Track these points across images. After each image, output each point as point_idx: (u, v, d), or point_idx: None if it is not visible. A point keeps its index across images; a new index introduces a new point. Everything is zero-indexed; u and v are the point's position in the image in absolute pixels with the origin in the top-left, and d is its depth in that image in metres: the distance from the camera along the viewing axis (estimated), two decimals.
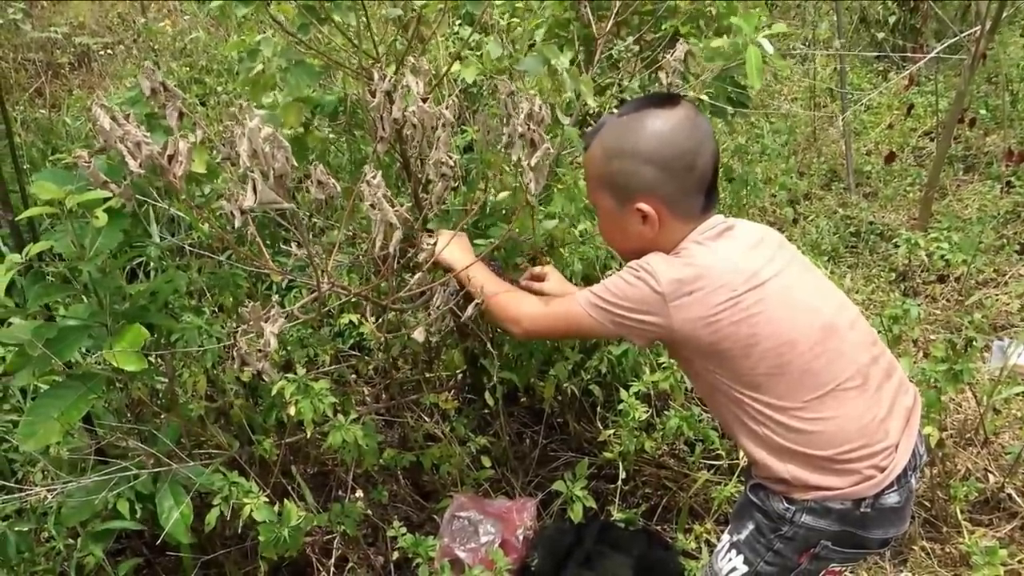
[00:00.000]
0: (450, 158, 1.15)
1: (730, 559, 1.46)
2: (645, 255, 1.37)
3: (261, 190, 0.97)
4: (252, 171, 0.97)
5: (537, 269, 1.81)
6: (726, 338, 1.28)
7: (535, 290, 1.78)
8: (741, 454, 2.35)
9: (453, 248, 1.60)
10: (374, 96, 1.24)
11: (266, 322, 1.09)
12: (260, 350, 1.09)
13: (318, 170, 1.07)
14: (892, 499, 1.34)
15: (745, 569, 1.43)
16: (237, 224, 1.02)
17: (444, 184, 1.17)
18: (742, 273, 1.29)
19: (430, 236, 1.59)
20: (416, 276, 1.29)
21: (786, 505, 1.36)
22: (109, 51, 5.60)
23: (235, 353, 1.10)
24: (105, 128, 1.03)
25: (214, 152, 1.52)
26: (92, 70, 5.74)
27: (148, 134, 1.04)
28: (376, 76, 1.24)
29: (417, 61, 1.17)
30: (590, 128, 1.44)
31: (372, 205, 1.07)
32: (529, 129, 1.16)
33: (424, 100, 1.16)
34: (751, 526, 1.43)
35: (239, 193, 0.99)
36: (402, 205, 1.68)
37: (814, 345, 1.29)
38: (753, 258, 1.32)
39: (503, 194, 1.35)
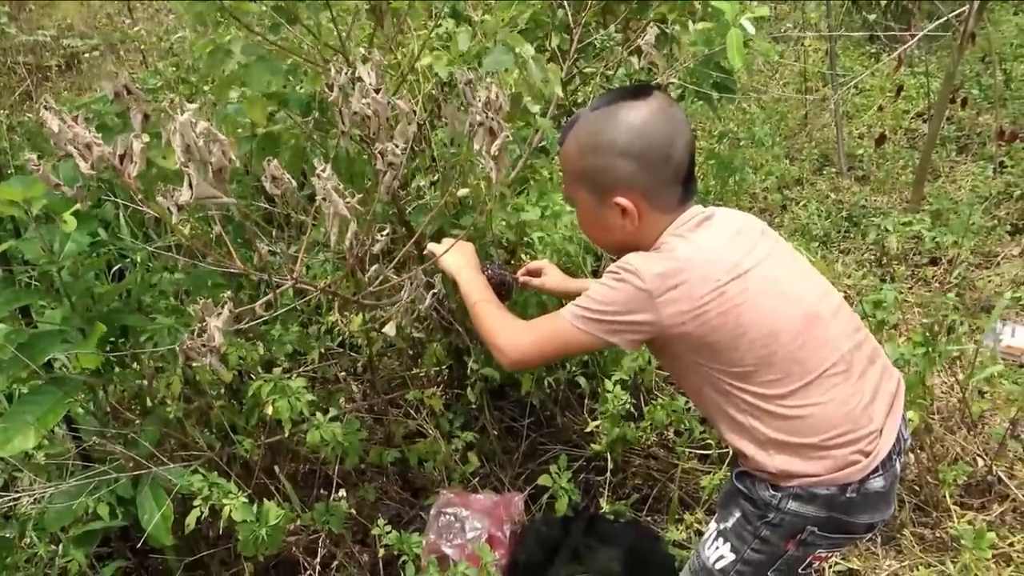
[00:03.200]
0: (398, 147, 1.13)
1: (717, 547, 1.46)
2: (626, 249, 1.36)
3: (197, 185, 0.96)
4: (187, 166, 0.96)
5: (533, 264, 1.80)
6: (715, 330, 1.26)
7: (534, 286, 1.77)
8: None
9: (456, 257, 1.58)
10: (332, 90, 1.23)
11: (211, 315, 1.08)
12: (204, 344, 1.07)
13: (271, 166, 1.05)
14: (877, 484, 1.34)
15: (732, 557, 1.43)
16: (174, 221, 1.00)
17: (393, 174, 1.15)
18: (724, 263, 1.28)
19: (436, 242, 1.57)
20: (372, 269, 1.27)
21: (772, 492, 1.35)
22: (97, 53, 5.58)
23: (179, 349, 1.09)
24: (54, 130, 1.02)
25: None
26: (80, 72, 5.72)
27: (99, 136, 1.03)
28: (333, 70, 1.23)
29: (368, 52, 1.15)
30: (564, 123, 1.42)
31: (324, 198, 1.05)
32: (488, 118, 1.14)
33: (377, 91, 1.15)
34: (737, 514, 1.42)
35: (175, 189, 0.98)
36: (378, 199, 1.67)
37: (797, 335, 1.28)
38: (734, 247, 1.31)
39: (463, 191, 1.32)
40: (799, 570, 1.43)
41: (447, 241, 1.63)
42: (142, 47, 5.26)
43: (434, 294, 1.44)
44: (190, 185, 0.96)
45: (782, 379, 1.28)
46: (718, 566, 1.45)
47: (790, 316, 1.29)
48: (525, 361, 1.47)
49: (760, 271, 1.29)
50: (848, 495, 1.32)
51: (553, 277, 1.78)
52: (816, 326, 1.30)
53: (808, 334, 1.29)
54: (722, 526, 1.45)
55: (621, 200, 1.32)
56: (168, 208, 0.97)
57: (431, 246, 1.60)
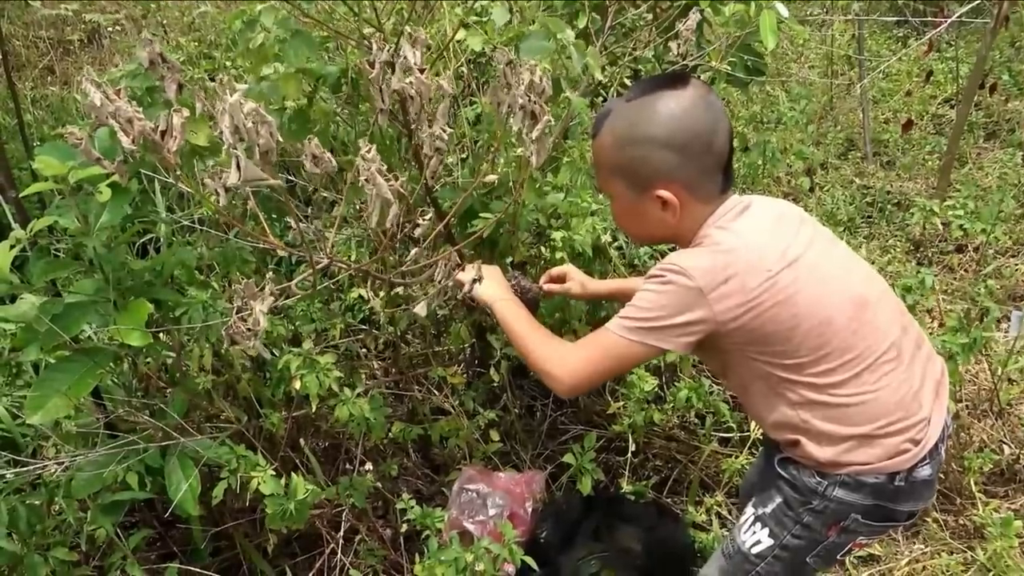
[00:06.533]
0: (445, 132, 1.12)
1: (754, 532, 1.44)
2: (665, 241, 1.33)
3: (245, 167, 0.96)
4: (235, 148, 0.95)
5: (555, 270, 1.77)
6: (769, 321, 1.24)
7: (558, 291, 1.75)
8: (753, 426, 2.34)
9: (489, 285, 1.56)
10: (373, 67, 1.22)
11: (256, 300, 1.07)
12: (250, 328, 1.07)
13: (312, 144, 1.05)
14: (925, 472, 1.33)
15: (771, 542, 1.42)
16: (222, 203, 1.00)
17: (439, 159, 1.14)
18: (772, 252, 1.25)
19: (460, 268, 1.54)
20: (413, 252, 1.27)
21: (818, 479, 1.34)
22: (119, 27, 5.57)
23: (225, 332, 1.09)
24: (96, 104, 1.01)
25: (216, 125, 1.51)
26: (102, 46, 5.72)
27: (140, 110, 1.03)
28: (375, 46, 1.22)
29: (414, 31, 1.14)
30: (596, 113, 1.39)
31: (367, 180, 1.04)
32: (530, 101, 1.13)
33: (422, 71, 1.14)
34: (778, 499, 1.41)
35: (223, 170, 0.98)
36: (409, 178, 1.67)
37: (849, 321, 1.26)
38: (779, 236, 1.28)
39: (490, 177, 1.30)
40: (837, 556, 1.43)
41: (471, 268, 1.58)
42: (164, 21, 5.26)
43: (474, 280, 1.43)
44: (238, 167, 0.95)
45: (836, 368, 1.26)
46: (754, 551, 1.43)
47: (841, 303, 1.27)
48: (581, 386, 1.40)
49: (807, 258, 1.27)
50: (896, 483, 1.31)
51: (576, 282, 1.76)
52: (866, 311, 1.29)
53: (860, 320, 1.27)
54: (760, 511, 1.43)
55: (663, 193, 1.29)
56: (216, 190, 0.97)
57: (460, 276, 1.56)
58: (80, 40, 5.85)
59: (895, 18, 5.32)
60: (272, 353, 2.05)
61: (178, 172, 1.11)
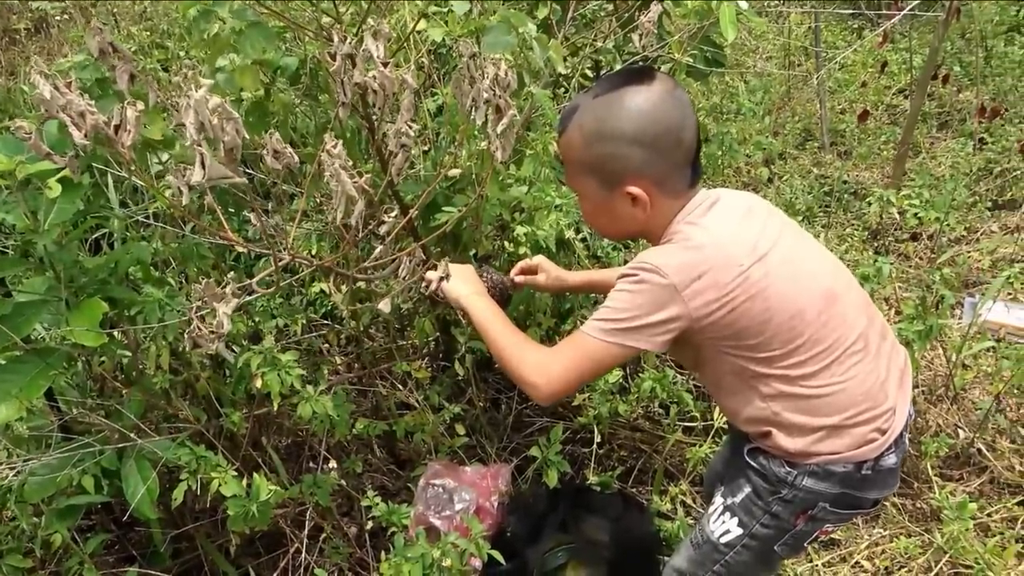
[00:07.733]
0: (410, 127, 1.10)
1: (723, 522, 1.46)
2: (635, 237, 1.33)
3: (210, 165, 0.93)
4: (200, 145, 0.92)
5: (526, 262, 1.76)
6: (742, 315, 1.24)
7: (528, 284, 1.74)
8: (716, 414, 2.36)
9: (459, 283, 1.52)
10: (334, 59, 1.20)
11: (219, 301, 1.04)
12: (213, 331, 1.04)
13: (273, 139, 1.02)
14: (891, 460, 1.35)
15: (739, 532, 1.43)
16: (184, 202, 0.97)
17: (405, 155, 1.12)
18: (742, 247, 1.25)
19: (428, 266, 1.51)
20: (378, 249, 1.25)
21: (787, 469, 1.36)
22: (67, 15, 5.41)
23: (187, 335, 1.06)
24: (46, 97, 0.98)
25: (170, 118, 1.47)
26: (50, 35, 5.56)
27: (92, 103, 0.99)
28: (336, 38, 1.19)
29: (378, 24, 1.12)
30: (562, 110, 1.37)
31: (331, 176, 1.02)
32: (495, 95, 1.11)
33: (385, 65, 1.11)
34: (747, 489, 1.42)
35: (186, 168, 0.95)
36: (368, 172, 1.64)
37: (820, 313, 1.27)
38: (748, 230, 1.29)
39: (453, 171, 1.27)
40: (804, 543, 1.45)
41: (440, 265, 1.54)
42: (114, 10, 5.11)
43: (442, 278, 1.40)
44: (203, 165, 0.92)
45: (807, 360, 1.27)
46: (723, 540, 1.45)
47: (812, 295, 1.28)
48: (560, 392, 1.35)
49: (778, 252, 1.27)
50: (863, 472, 1.33)
51: (547, 274, 1.74)
52: (835, 303, 1.30)
53: (829, 312, 1.28)
54: (729, 501, 1.45)
55: (632, 189, 1.28)
56: (179, 188, 0.94)
57: (429, 274, 1.52)
58: (27, 29, 5.68)
59: (850, 10, 5.40)
60: (233, 352, 2.01)
61: (132, 166, 1.07)
